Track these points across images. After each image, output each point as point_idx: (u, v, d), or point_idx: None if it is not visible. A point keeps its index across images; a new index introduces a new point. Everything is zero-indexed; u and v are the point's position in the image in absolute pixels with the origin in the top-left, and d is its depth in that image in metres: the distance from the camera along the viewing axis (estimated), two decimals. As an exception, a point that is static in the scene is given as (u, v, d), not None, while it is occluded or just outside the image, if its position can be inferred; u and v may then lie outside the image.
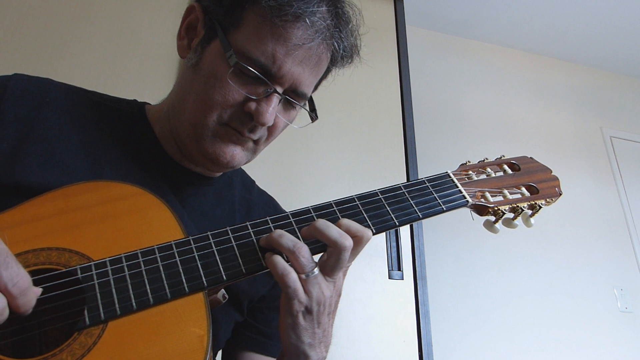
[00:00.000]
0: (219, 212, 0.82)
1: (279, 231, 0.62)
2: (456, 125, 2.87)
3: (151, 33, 1.85)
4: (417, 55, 2.72)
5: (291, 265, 0.61)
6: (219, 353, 0.88)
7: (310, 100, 0.79)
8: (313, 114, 0.79)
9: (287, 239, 0.61)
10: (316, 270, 0.62)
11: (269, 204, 0.94)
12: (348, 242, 0.61)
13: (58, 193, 0.61)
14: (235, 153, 0.73)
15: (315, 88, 0.80)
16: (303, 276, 0.61)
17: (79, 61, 1.73)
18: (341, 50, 0.73)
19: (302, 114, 0.80)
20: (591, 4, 2.85)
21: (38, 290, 0.50)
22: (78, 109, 0.74)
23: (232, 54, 0.67)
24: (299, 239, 0.63)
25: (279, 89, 0.69)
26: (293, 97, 0.73)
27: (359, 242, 0.63)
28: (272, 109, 0.69)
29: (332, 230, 0.61)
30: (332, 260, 0.62)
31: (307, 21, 0.66)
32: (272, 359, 0.85)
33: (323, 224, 0.62)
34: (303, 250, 0.61)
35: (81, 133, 0.72)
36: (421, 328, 1.69)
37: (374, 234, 0.67)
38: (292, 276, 0.61)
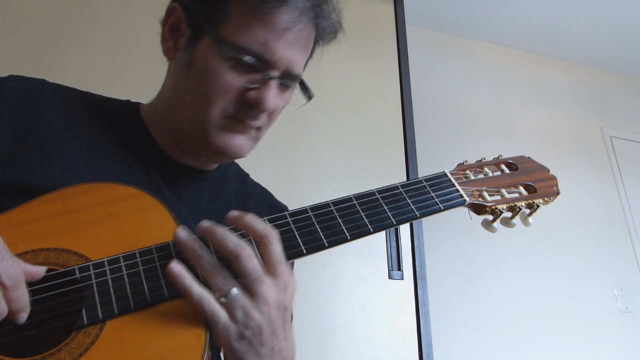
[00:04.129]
0: (216, 206, 0.83)
1: (201, 245, 0.57)
2: (456, 125, 2.87)
3: (151, 35, 1.85)
4: (417, 55, 2.72)
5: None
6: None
7: (301, 81, 0.80)
8: (309, 93, 0.80)
9: (205, 261, 0.56)
10: (235, 290, 0.55)
11: (264, 195, 0.94)
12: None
13: (57, 194, 0.61)
14: (242, 143, 0.75)
15: (304, 67, 0.82)
16: (223, 299, 0.54)
17: (79, 62, 1.73)
18: (326, 28, 0.75)
19: (296, 94, 0.81)
20: (591, 4, 2.85)
21: (40, 271, 0.51)
22: (74, 108, 0.75)
23: (224, 48, 0.68)
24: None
25: (275, 74, 0.71)
26: (288, 79, 0.74)
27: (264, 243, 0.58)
28: (273, 95, 0.71)
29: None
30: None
31: (291, 4, 0.68)
32: None
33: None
34: (217, 270, 0.55)
35: (78, 131, 0.72)
36: (421, 328, 1.69)
37: (371, 233, 0.67)
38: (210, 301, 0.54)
